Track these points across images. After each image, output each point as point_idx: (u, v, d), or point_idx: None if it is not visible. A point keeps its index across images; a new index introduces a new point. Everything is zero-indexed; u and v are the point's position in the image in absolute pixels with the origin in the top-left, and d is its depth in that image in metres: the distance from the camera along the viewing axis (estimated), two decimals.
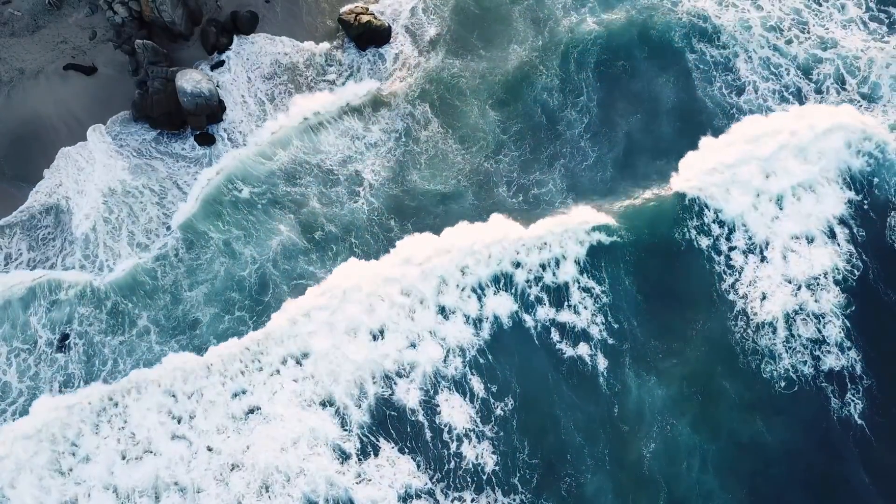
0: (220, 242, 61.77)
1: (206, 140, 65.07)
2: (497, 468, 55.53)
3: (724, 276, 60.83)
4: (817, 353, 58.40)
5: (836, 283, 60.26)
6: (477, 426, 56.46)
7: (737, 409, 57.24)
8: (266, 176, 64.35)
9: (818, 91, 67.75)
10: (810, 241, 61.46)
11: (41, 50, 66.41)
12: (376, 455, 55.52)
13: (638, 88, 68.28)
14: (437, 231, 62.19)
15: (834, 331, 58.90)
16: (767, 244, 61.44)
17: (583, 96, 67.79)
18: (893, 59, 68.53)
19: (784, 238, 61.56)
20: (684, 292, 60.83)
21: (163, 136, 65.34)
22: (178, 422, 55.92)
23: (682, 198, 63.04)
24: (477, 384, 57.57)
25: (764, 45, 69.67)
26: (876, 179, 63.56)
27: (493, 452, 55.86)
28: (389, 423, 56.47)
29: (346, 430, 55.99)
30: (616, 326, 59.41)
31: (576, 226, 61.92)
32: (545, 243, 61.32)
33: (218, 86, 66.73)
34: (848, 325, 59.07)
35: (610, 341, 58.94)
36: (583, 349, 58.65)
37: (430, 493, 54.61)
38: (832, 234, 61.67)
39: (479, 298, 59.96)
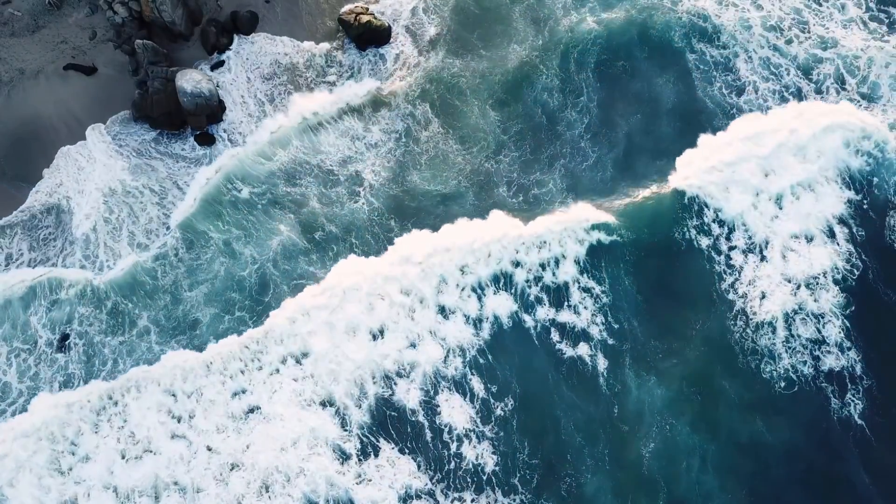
0: (220, 242, 61.77)
1: (206, 140, 65.08)
2: (497, 468, 55.55)
3: (724, 276, 60.84)
4: (817, 353, 58.41)
5: (836, 282, 60.28)
6: (477, 426, 56.48)
7: (736, 409, 57.25)
8: (266, 176, 64.36)
9: (818, 91, 67.75)
10: (810, 240, 61.48)
11: (41, 50, 66.40)
12: (376, 455, 55.53)
13: (638, 88, 68.30)
14: (436, 230, 62.22)
15: (833, 331, 58.92)
16: (767, 243, 61.46)
17: (583, 96, 67.81)
18: (893, 58, 68.56)
19: (783, 237, 61.57)
20: (684, 292, 60.84)
21: (163, 136, 65.36)
22: (178, 421, 55.94)
23: (682, 196, 63.05)
24: (477, 384, 57.59)
25: (764, 45, 69.68)
26: (875, 179, 63.59)
27: (494, 453, 55.89)
28: (389, 424, 56.47)
29: (346, 430, 56.00)
30: (616, 326, 59.42)
31: (575, 224, 61.93)
32: (544, 242, 61.32)
33: (218, 86, 66.73)
34: (848, 325, 59.08)
35: (610, 341, 58.96)
36: (583, 349, 58.66)
37: (431, 494, 54.63)
38: (832, 234, 61.69)
39: (479, 298, 59.97)
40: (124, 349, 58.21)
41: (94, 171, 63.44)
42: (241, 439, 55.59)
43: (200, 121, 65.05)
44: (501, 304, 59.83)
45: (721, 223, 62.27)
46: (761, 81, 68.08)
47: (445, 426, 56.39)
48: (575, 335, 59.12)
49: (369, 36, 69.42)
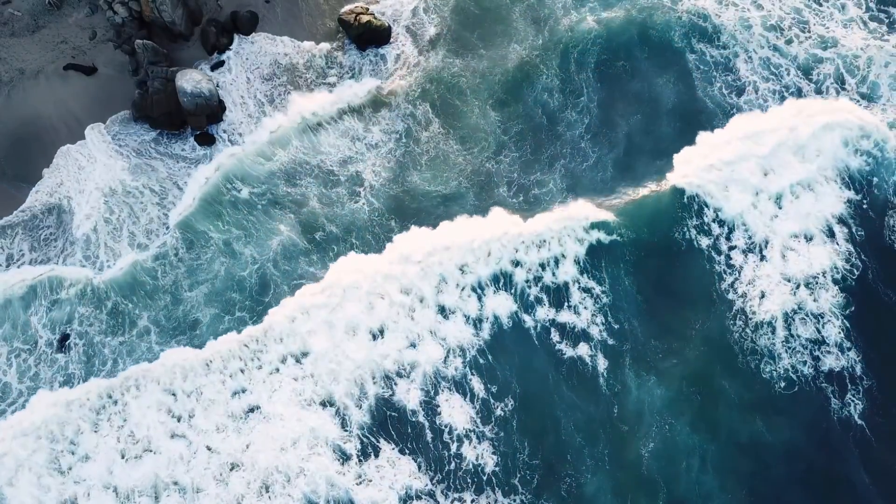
0: (220, 242, 61.78)
1: (207, 140, 65.08)
2: (497, 469, 55.56)
3: (724, 276, 60.85)
4: (817, 353, 58.42)
5: (835, 282, 60.28)
6: (477, 427, 56.49)
7: (736, 409, 57.26)
8: (266, 176, 64.36)
9: (818, 91, 67.75)
10: (809, 239, 61.48)
11: (41, 50, 66.40)
12: (377, 456, 55.54)
13: (638, 88, 68.30)
14: (436, 228, 62.39)
15: (833, 331, 58.93)
16: (767, 243, 61.46)
17: (583, 97, 67.82)
18: (892, 57, 68.56)
19: (783, 237, 61.59)
20: (684, 292, 60.85)
21: (163, 136, 65.37)
22: (178, 420, 55.94)
23: (682, 194, 63.06)
24: (477, 384, 57.60)
25: (764, 45, 69.69)
26: (875, 179, 63.59)
27: (494, 453, 55.90)
28: (390, 424, 56.48)
29: (346, 430, 56.01)
30: (616, 326, 59.43)
31: (575, 221, 61.95)
32: (544, 241, 61.33)
33: (218, 86, 66.72)
34: (847, 325, 59.09)
35: (610, 341, 58.97)
36: (583, 349, 58.67)
37: (431, 495, 54.64)
38: (831, 233, 61.70)
39: (479, 298, 59.98)
40: (124, 349, 58.22)
41: (95, 170, 63.46)
42: (240, 439, 55.60)
43: (200, 121, 65.06)
44: (501, 304, 59.84)
45: (721, 223, 62.27)
46: (761, 81, 68.09)
47: (445, 426, 56.40)
48: (575, 335, 59.12)
49: (369, 36, 69.42)
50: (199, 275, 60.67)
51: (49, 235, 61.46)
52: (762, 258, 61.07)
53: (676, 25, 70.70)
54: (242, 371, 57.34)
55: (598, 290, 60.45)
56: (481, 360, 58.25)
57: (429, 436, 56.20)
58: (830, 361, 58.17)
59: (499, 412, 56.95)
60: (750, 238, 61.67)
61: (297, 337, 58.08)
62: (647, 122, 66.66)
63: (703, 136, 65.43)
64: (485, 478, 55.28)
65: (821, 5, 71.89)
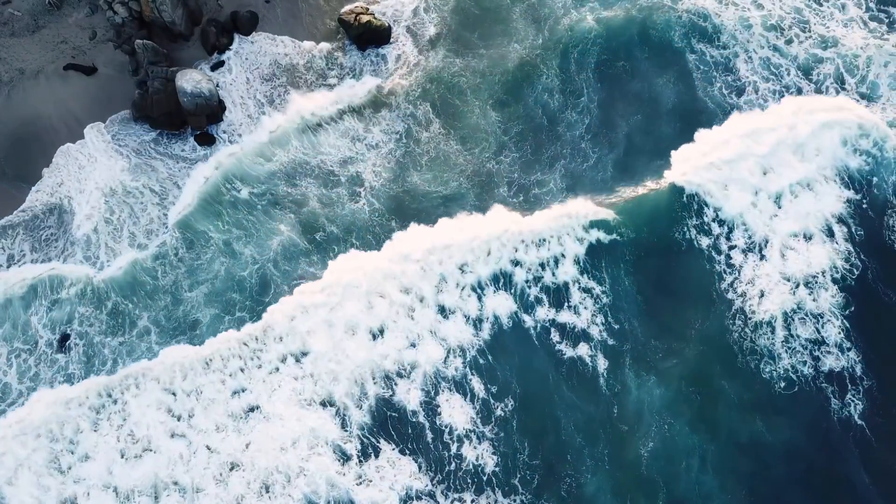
0: (220, 242, 61.77)
1: (207, 140, 65.07)
2: (497, 469, 55.55)
3: (724, 276, 60.85)
4: (817, 353, 58.42)
5: (835, 281, 60.28)
6: (477, 427, 56.49)
7: (736, 410, 57.25)
8: (266, 176, 64.36)
9: (818, 91, 67.83)
10: (808, 238, 61.48)
11: (41, 50, 66.39)
12: (377, 456, 55.50)
13: (638, 89, 68.32)
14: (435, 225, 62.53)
15: (833, 331, 58.93)
16: (766, 242, 61.47)
17: (583, 97, 67.83)
18: (892, 57, 68.59)
19: (782, 236, 61.59)
20: (684, 292, 60.85)
21: (162, 136, 65.36)
22: (178, 419, 55.89)
23: (681, 192, 63.08)
24: (477, 385, 57.59)
25: (764, 45, 69.71)
26: (875, 179, 63.58)
27: (494, 453, 55.88)
28: (390, 424, 56.45)
29: (346, 430, 55.99)
30: (616, 327, 59.43)
31: (574, 219, 61.92)
32: (544, 240, 61.32)
33: (218, 86, 66.71)
34: (847, 325, 59.10)
35: (610, 341, 58.96)
36: (583, 349, 58.66)
37: (431, 495, 54.61)
38: (830, 233, 61.69)
39: (479, 298, 59.97)
40: (124, 349, 58.20)
41: (95, 170, 63.46)
42: (240, 438, 55.57)
43: (200, 121, 65.06)
44: (501, 304, 59.83)
45: (721, 222, 62.29)
46: (761, 81, 68.11)
47: (446, 427, 56.39)
48: (575, 335, 59.12)
49: (369, 36, 69.41)
50: (199, 275, 60.67)
51: (50, 236, 61.46)
52: (762, 257, 61.09)
53: (676, 25, 70.73)
54: (242, 370, 57.32)
55: (598, 290, 60.46)
56: (481, 360, 58.25)
57: (429, 436, 56.19)
58: (830, 361, 58.17)
59: (499, 412, 56.95)
60: (750, 238, 61.67)
61: (297, 336, 58.07)
62: (647, 123, 66.68)
63: (701, 134, 65.41)
64: (485, 478, 55.27)
65: (821, 5, 71.94)
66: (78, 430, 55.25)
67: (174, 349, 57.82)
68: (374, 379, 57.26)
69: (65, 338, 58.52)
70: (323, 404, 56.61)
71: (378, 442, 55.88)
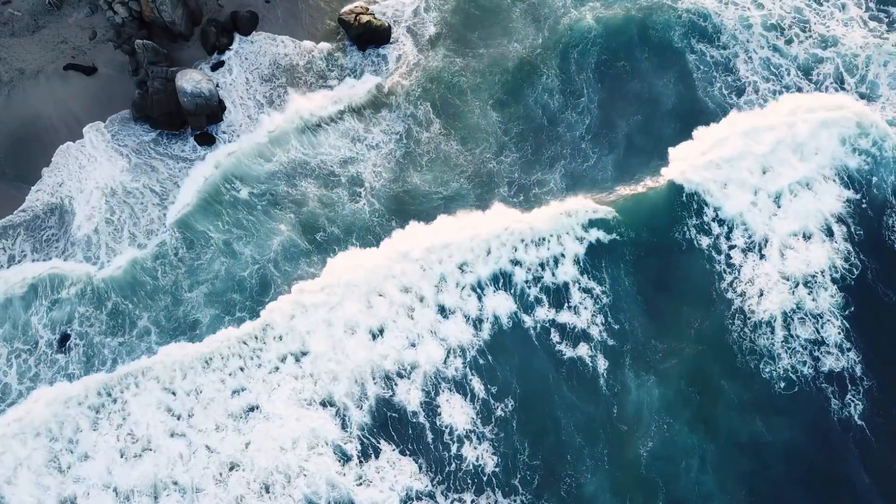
0: (220, 242, 61.76)
1: (207, 140, 65.07)
2: (497, 469, 55.57)
3: (724, 276, 60.88)
4: (816, 353, 58.44)
5: (834, 281, 60.31)
6: (477, 427, 56.50)
7: (736, 410, 57.29)
8: (266, 176, 64.35)
9: (818, 91, 67.71)
10: (808, 238, 61.48)
11: (41, 50, 66.36)
12: (377, 457, 55.51)
13: (638, 89, 68.34)
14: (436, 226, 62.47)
15: (833, 331, 58.95)
16: (766, 241, 61.50)
17: (583, 97, 67.84)
18: (891, 56, 68.61)
19: (782, 235, 61.62)
20: (685, 292, 60.88)
21: (162, 136, 65.36)
22: (178, 419, 55.89)
23: (681, 191, 63.14)
24: (477, 385, 57.60)
25: (764, 45, 69.73)
26: (874, 178, 63.60)
27: (494, 454, 55.89)
28: (390, 425, 56.46)
29: (346, 431, 55.99)
30: (616, 327, 59.45)
31: (573, 218, 61.89)
32: (543, 239, 61.32)
33: (218, 86, 66.70)
34: (847, 325, 59.12)
35: (610, 342, 58.98)
36: (583, 350, 58.67)
37: (431, 496, 54.62)
38: (830, 233, 61.70)
39: (479, 298, 59.97)
40: (124, 350, 58.18)
41: (95, 170, 63.45)
42: (240, 438, 55.58)
43: (200, 121, 65.04)
44: (501, 304, 59.85)
45: (721, 222, 62.33)
46: (761, 81, 68.13)
47: (446, 427, 56.40)
48: (575, 335, 59.15)
49: (369, 36, 69.39)
50: (200, 275, 60.66)
51: (51, 236, 61.44)
52: (761, 257, 61.12)
53: (676, 25, 70.75)
54: (242, 370, 57.34)
55: (597, 290, 60.48)
56: (481, 361, 58.26)
57: (429, 436, 56.20)
58: (830, 362, 58.19)
59: (499, 413, 56.97)
60: (749, 237, 61.70)
61: (296, 335, 58.10)
62: (647, 123, 66.70)
63: (699, 132, 65.58)
64: (485, 478, 55.29)
65: (821, 5, 71.98)
66: (77, 430, 55.28)
67: (173, 346, 57.81)
68: (374, 379, 57.27)
69: (65, 338, 58.53)
70: (323, 404, 56.62)
71: (378, 442, 55.89)
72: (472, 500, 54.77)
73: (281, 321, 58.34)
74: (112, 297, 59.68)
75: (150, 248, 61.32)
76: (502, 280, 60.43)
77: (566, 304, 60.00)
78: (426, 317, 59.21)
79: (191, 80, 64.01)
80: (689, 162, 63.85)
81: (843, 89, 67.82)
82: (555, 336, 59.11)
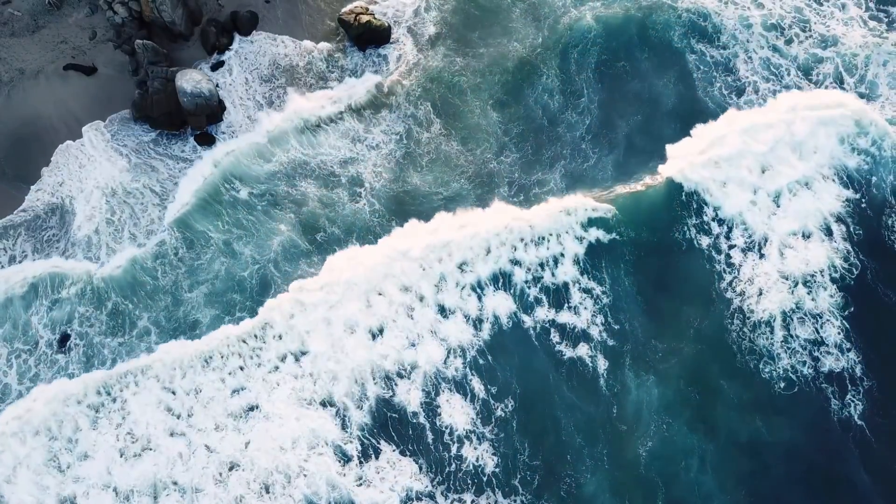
0: (220, 242, 61.76)
1: (206, 140, 65.06)
2: (497, 470, 55.58)
3: (724, 275, 60.88)
4: (816, 353, 58.44)
5: (834, 281, 60.31)
6: (477, 428, 56.52)
7: (736, 410, 57.30)
8: (265, 176, 64.35)
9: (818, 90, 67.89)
10: (807, 237, 61.48)
11: (41, 50, 66.36)
12: (377, 457, 55.53)
13: (638, 89, 68.33)
14: (434, 225, 62.49)
15: (833, 331, 58.95)
16: (766, 241, 61.50)
17: (583, 97, 67.86)
18: (890, 56, 68.62)
19: (781, 235, 61.61)
20: (685, 292, 60.90)
21: (162, 136, 65.35)
22: (178, 418, 55.90)
23: (680, 189, 63.19)
24: (477, 385, 57.61)
25: (764, 45, 69.74)
26: (874, 178, 63.61)
27: (494, 454, 55.90)
28: (390, 425, 56.47)
29: (346, 431, 56.00)
30: (616, 327, 59.46)
31: (572, 217, 61.89)
32: (543, 238, 61.31)
33: (217, 86, 66.70)
34: (847, 326, 59.12)
35: (610, 342, 58.98)
36: (583, 350, 58.68)
37: (431, 496, 54.64)
38: (829, 232, 61.69)
39: (479, 298, 59.98)
40: (124, 350, 58.17)
41: (95, 169, 63.45)
42: (240, 438, 55.59)
43: (200, 121, 65.03)
44: (501, 304, 59.84)
45: (720, 221, 62.34)
46: (762, 81, 68.14)
47: (446, 428, 56.42)
48: (575, 336, 59.15)
49: (369, 36, 69.37)
50: (200, 275, 60.67)
51: (52, 237, 61.45)
52: (761, 256, 61.13)
53: (676, 25, 70.75)
54: (242, 369, 57.35)
55: (597, 290, 60.49)
56: (481, 361, 58.28)
57: (429, 437, 56.21)
58: (830, 362, 58.20)
59: (499, 413, 56.98)
60: (749, 237, 61.71)
61: (296, 334, 58.11)
62: (647, 123, 66.68)
63: (697, 129, 65.67)
64: (485, 479, 55.31)
65: (821, 4, 71.95)
66: (77, 429, 55.30)
67: (172, 344, 57.87)
68: (374, 379, 57.28)
69: (65, 338, 58.54)
70: (323, 404, 56.64)
71: (378, 443, 55.91)
72: (472, 501, 54.79)
73: (280, 320, 58.35)
74: (112, 298, 59.70)
75: (150, 247, 61.29)
76: (502, 280, 60.45)
77: (566, 305, 60.01)
78: (426, 316, 59.22)
79: (191, 80, 64.00)
80: (688, 160, 63.87)
81: (843, 89, 67.81)
82: (555, 336, 59.13)
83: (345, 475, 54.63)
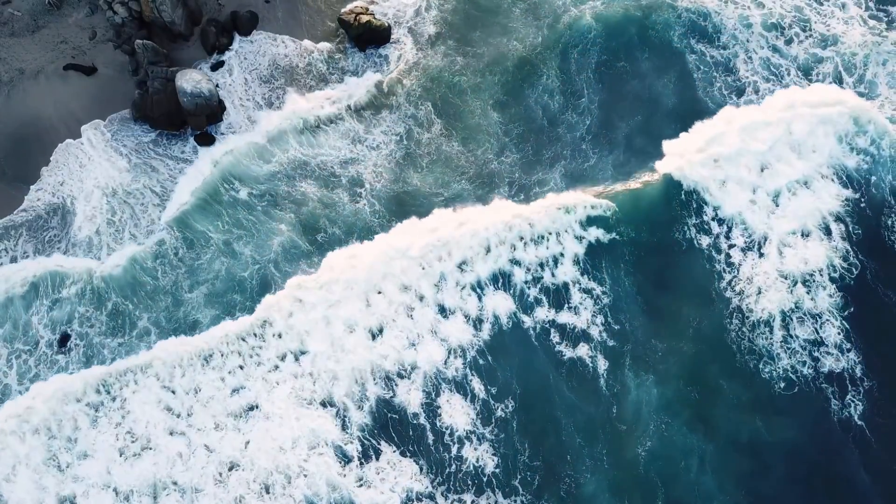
0: (220, 242, 61.76)
1: (206, 140, 65.07)
2: (497, 470, 55.56)
3: (724, 275, 60.85)
4: (816, 354, 58.41)
5: (833, 280, 60.26)
6: (478, 428, 56.52)
7: (736, 410, 57.26)
8: (265, 177, 64.37)
9: None
10: (806, 236, 61.46)
11: (41, 50, 66.37)
12: (378, 458, 55.53)
13: (638, 89, 68.33)
14: (434, 224, 62.38)
15: (832, 331, 58.94)
16: (765, 240, 61.45)
17: (583, 98, 67.88)
18: (889, 55, 68.62)
19: (780, 234, 61.54)
20: (685, 292, 60.88)
21: (162, 136, 65.38)
22: (178, 417, 55.87)
23: (679, 187, 63.19)
24: (478, 385, 57.60)
25: (764, 46, 69.74)
26: (873, 178, 63.59)
27: (494, 454, 55.87)
28: (391, 426, 56.45)
29: (346, 431, 55.97)
30: (616, 327, 59.44)
31: (572, 213, 61.83)
32: (542, 237, 61.30)
33: (217, 86, 66.70)
34: (847, 326, 59.11)
35: (610, 342, 58.95)
36: (583, 350, 58.65)
37: (431, 497, 54.61)
38: (828, 231, 61.66)
39: (479, 298, 59.96)
40: (124, 350, 58.14)
41: (94, 169, 63.46)
42: (240, 438, 55.57)
43: (200, 121, 65.04)
44: (501, 304, 59.80)
45: (720, 221, 62.31)
46: (762, 81, 68.15)
47: (447, 428, 56.40)
48: (575, 336, 59.12)
49: (369, 36, 69.39)
50: (200, 275, 60.67)
51: (53, 237, 61.45)
52: (760, 255, 61.10)
53: (676, 24, 70.77)
54: (241, 368, 57.33)
55: (597, 290, 60.48)
56: (481, 361, 58.27)
57: (430, 437, 56.18)
58: (830, 362, 58.17)
59: (499, 413, 56.98)
60: (749, 236, 61.69)
61: (295, 334, 58.05)
62: (647, 123, 66.67)
63: (695, 126, 65.70)
64: (485, 479, 55.30)
65: (821, 4, 71.95)
66: (76, 427, 55.26)
67: (170, 341, 57.86)
68: (374, 379, 57.27)
69: (65, 338, 58.54)
70: (323, 404, 56.63)
71: (379, 443, 55.91)
72: (473, 501, 54.77)
73: (279, 318, 58.33)
74: (112, 298, 59.69)
75: (150, 246, 61.24)
76: (502, 280, 60.45)
77: (566, 305, 60.01)
78: (426, 316, 59.21)
79: (191, 80, 63.99)
80: (687, 158, 63.82)
81: (843, 88, 67.74)
82: (555, 336, 59.12)
83: (345, 476, 54.61)
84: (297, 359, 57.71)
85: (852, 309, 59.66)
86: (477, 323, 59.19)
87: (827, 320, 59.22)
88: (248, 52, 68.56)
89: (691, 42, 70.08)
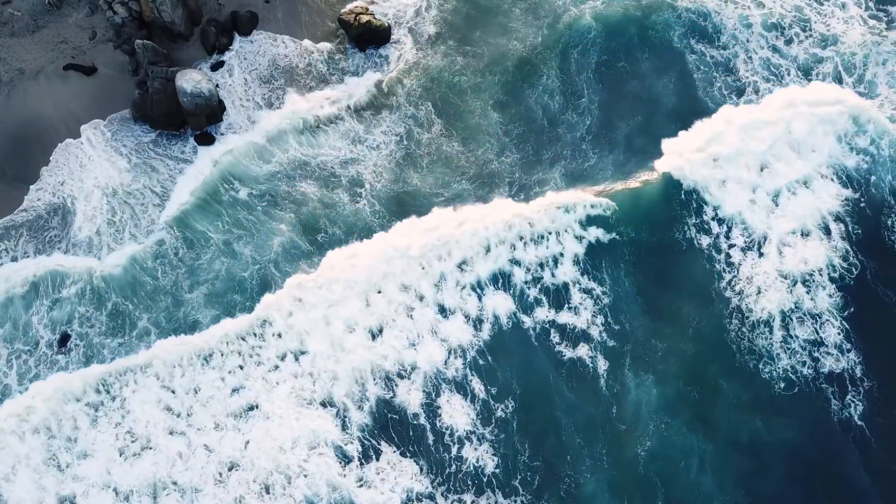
0: (220, 242, 61.75)
1: (207, 140, 65.05)
2: (497, 470, 55.52)
3: (724, 275, 60.84)
4: (816, 354, 58.39)
5: (833, 280, 60.24)
6: (478, 428, 56.50)
7: (735, 410, 57.21)
8: (265, 177, 64.36)
9: None
10: (805, 236, 61.45)
11: (41, 50, 66.34)
12: (378, 458, 55.50)
13: (638, 89, 68.32)
14: (433, 223, 62.34)
15: (832, 332, 58.92)
16: (765, 240, 61.43)
17: (583, 98, 67.87)
18: (889, 55, 68.63)
19: (780, 234, 61.51)
20: (685, 292, 60.85)
21: (162, 136, 65.36)
22: (178, 416, 55.82)
23: (678, 185, 63.17)
24: (478, 386, 57.57)
25: (764, 46, 69.74)
26: (872, 178, 63.59)
27: (494, 455, 55.83)
28: (391, 426, 56.40)
29: (346, 432, 55.94)
30: (616, 327, 59.41)
31: (571, 213, 61.79)
32: (542, 237, 61.29)
33: (217, 86, 66.68)
34: (847, 326, 59.09)
35: (610, 342, 58.92)
36: (583, 350, 58.61)
37: (431, 497, 54.56)
38: (827, 231, 61.65)
39: (479, 298, 59.94)
40: (124, 350, 58.10)
41: (94, 169, 63.45)
42: (240, 438, 55.53)
43: (200, 121, 65.03)
44: (501, 304, 59.76)
45: (720, 221, 62.29)
46: (762, 82, 68.14)
47: (447, 428, 56.36)
48: (575, 336, 59.09)
49: (369, 36, 69.39)
50: (200, 275, 60.65)
51: (53, 237, 61.44)
52: (760, 255, 61.09)
53: (676, 24, 70.78)
54: (241, 367, 57.29)
55: (597, 290, 60.45)
56: (481, 361, 58.25)
57: (430, 438, 56.13)
58: (830, 363, 58.14)
59: (499, 413, 56.95)
60: (749, 236, 61.67)
61: (295, 333, 58.02)
62: (647, 124, 66.64)
63: (695, 125, 65.70)
64: (485, 479, 55.27)
65: (822, 4, 71.95)
66: (76, 427, 55.22)
67: (170, 341, 57.83)
68: (374, 379, 57.25)
69: (65, 338, 58.51)
70: (323, 404, 56.59)
71: (379, 443, 55.88)
72: (473, 501, 54.73)
73: (279, 317, 58.31)
74: (112, 298, 59.67)
75: (149, 245, 61.22)
76: (502, 280, 60.44)
77: (566, 305, 60.00)
78: (426, 316, 59.18)
79: (191, 81, 63.98)
80: (686, 157, 63.81)
81: (842, 88, 67.75)
82: (555, 336, 59.10)
83: (345, 476, 54.58)
84: (296, 359, 57.68)
85: (852, 309, 59.66)
86: (477, 323, 59.18)
87: (827, 320, 59.22)
88: (248, 53, 68.56)
89: (691, 42, 70.11)
